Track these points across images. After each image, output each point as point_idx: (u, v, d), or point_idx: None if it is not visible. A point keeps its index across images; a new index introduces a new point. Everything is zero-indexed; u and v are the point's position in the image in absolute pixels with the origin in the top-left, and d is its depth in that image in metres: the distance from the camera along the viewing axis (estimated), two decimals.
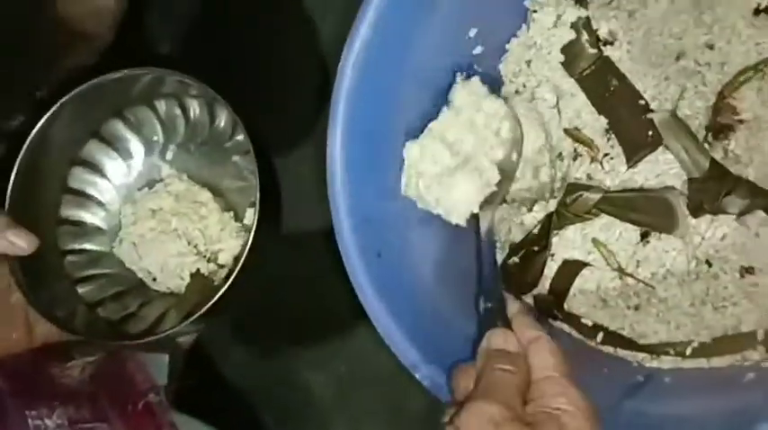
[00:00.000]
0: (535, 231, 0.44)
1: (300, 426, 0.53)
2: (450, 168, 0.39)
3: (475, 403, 0.29)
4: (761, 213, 0.38)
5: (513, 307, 0.36)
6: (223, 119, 0.47)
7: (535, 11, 0.43)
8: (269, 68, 0.52)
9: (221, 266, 0.47)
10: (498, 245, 0.45)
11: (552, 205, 0.43)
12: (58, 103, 0.44)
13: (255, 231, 0.42)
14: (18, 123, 0.49)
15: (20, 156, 0.43)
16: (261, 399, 0.53)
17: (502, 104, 0.39)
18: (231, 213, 0.48)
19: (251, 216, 0.44)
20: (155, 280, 0.47)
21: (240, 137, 0.45)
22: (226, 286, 0.42)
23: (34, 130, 0.43)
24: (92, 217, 0.48)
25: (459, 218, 0.39)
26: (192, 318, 0.42)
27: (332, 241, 0.40)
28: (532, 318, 0.35)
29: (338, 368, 0.51)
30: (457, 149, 0.39)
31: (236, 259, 0.45)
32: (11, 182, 0.43)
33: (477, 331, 0.37)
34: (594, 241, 0.42)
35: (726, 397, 0.35)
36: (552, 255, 0.43)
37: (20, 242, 0.40)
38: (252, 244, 0.42)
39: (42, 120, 0.44)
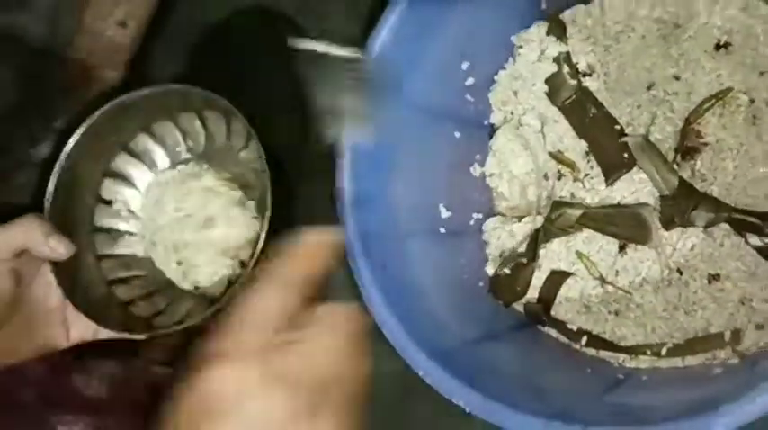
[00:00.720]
0: (524, 245, 0.48)
1: None
2: None
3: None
4: (725, 225, 0.42)
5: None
6: (238, 131, 0.51)
7: (521, 46, 0.47)
8: (281, 90, 0.56)
9: (243, 266, 0.50)
10: (489, 257, 0.49)
11: (539, 221, 0.47)
12: (88, 120, 0.48)
13: (268, 239, 0.45)
14: (41, 152, 0.53)
15: (55, 171, 0.47)
16: None
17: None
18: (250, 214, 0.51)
19: (265, 220, 0.47)
20: (184, 278, 0.50)
21: (253, 147, 0.48)
22: (240, 281, 0.46)
23: (67, 147, 0.47)
24: (124, 224, 0.51)
25: None
26: (210, 311, 0.45)
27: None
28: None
29: None
30: None
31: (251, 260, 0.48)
32: (48, 194, 0.47)
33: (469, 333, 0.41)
34: (578, 253, 0.46)
35: (695, 389, 0.38)
36: (540, 266, 0.47)
37: (59, 248, 0.44)
38: (264, 249, 0.45)
39: (74, 138, 0.48)
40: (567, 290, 0.47)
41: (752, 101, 0.42)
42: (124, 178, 0.51)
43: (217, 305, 0.45)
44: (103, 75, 0.55)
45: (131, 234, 0.52)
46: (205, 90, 0.48)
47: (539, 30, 0.47)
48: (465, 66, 0.46)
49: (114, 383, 0.48)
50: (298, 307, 0.28)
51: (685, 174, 0.43)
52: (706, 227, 0.43)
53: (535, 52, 0.46)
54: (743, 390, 0.33)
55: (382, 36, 0.41)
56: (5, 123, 0.50)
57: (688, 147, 0.43)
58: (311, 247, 0.30)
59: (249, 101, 0.56)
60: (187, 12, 0.58)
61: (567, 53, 0.46)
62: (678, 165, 0.44)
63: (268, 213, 0.45)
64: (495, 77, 0.48)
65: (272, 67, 0.56)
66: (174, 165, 0.52)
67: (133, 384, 0.49)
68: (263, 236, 0.45)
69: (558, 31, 0.46)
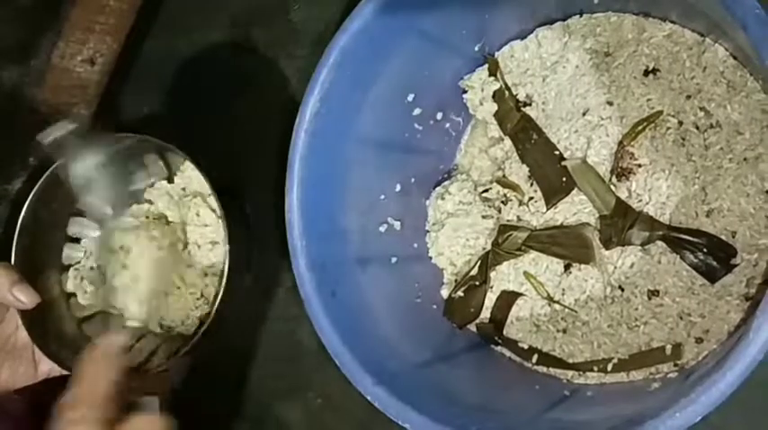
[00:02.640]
0: (475, 269, 0.49)
1: None
2: None
3: None
4: (661, 243, 0.44)
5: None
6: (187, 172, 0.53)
7: (465, 91, 0.50)
8: (235, 130, 0.58)
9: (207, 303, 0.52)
10: (445, 280, 0.51)
11: (488, 244, 0.49)
12: (54, 165, 0.49)
13: (229, 275, 0.47)
14: (15, 187, 0.55)
15: (23, 213, 0.49)
16: None
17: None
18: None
19: (221, 258, 0.49)
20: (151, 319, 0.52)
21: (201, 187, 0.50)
22: (202, 330, 0.47)
23: (34, 189, 0.49)
24: (91, 262, 0.53)
25: None
26: (178, 355, 0.46)
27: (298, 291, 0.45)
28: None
29: (312, 400, 0.56)
30: None
31: (215, 300, 0.50)
32: (16, 234, 0.49)
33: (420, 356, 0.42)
34: (526, 274, 0.48)
35: (634, 403, 0.39)
36: (491, 288, 0.49)
37: (23, 297, 0.46)
38: (226, 287, 0.47)
39: (41, 181, 0.50)
40: (518, 310, 0.48)
41: (680, 123, 0.44)
42: (91, 217, 0.53)
43: (186, 347, 0.47)
44: (73, 112, 0.57)
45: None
46: (159, 135, 0.50)
47: (480, 75, 0.49)
48: (410, 97, 0.48)
49: None
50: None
51: (622, 195, 0.45)
52: (643, 244, 0.44)
53: (478, 95, 0.49)
54: (669, 405, 0.34)
55: (322, 75, 0.43)
56: None
57: (623, 168, 0.45)
58: (100, 360, 0.36)
59: (214, 138, 0.58)
60: (155, 47, 0.61)
61: (501, 88, 0.48)
62: (615, 185, 0.45)
63: (226, 267, 0.47)
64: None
65: (241, 106, 0.59)
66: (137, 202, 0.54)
67: None
68: (225, 269, 0.47)
69: (494, 69, 0.49)
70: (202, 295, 0.52)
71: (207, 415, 0.58)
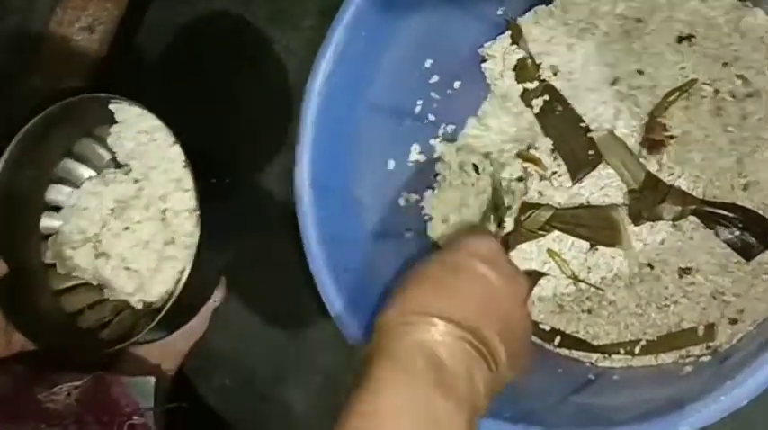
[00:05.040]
0: None
1: None
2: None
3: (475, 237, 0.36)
4: (694, 218, 0.42)
5: None
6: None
7: (484, 59, 0.47)
8: (240, 102, 0.56)
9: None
10: None
11: (510, 224, 0.47)
12: (27, 126, 0.46)
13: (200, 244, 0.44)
14: None
15: None
16: (242, 418, 0.55)
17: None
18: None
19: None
20: (137, 291, 0.49)
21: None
22: (171, 301, 0.44)
23: (6, 153, 0.46)
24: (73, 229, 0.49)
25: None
26: (153, 324, 0.44)
27: (303, 263, 0.43)
28: None
29: (315, 381, 0.53)
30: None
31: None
32: None
33: None
34: (549, 251, 0.45)
35: (664, 387, 0.37)
36: None
37: None
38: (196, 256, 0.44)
39: (11, 145, 0.46)
40: (540, 289, 0.46)
41: (716, 92, 0.42)
42: (71, 183, 0.50)
43: (157, 318, 0.44)
44: (70, 81, 0.54)
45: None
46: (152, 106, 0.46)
47: (502, 43, 0.47)
48: (428, 63, 0.46)
49: (83, 395, 0.47)
50: None
51: (652, 168, 0.43)
52: (674, 220, 0.42)
53: (498, 66, 0.47)
54: (709, 389, 0.32)
55: (336, 36, 0.40)
56: None
57: (654, 140, 0.43)
58: None
59: (210, 108, 0.56)
60: (156, 17, 0.58)
61: (524, 57, 0.46)
62: (645, 158, 0.43)
63: (198, 239, 0.44)
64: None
65: (239, 76, 0.56)
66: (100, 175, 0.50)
67: (100, 397, 0.48)
68: (194, 250, 0.44)
69: (517, 36, 0.46)
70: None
71: (207, 396, 0.56)
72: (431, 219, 0.47)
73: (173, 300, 0.43)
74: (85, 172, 0.50)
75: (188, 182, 0.46)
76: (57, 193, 0.50)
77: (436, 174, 0.48)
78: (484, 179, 0.45)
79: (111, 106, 0.47)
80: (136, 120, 0.48)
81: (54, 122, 0.47)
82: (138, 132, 0.48)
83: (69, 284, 0.49)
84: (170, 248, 0.47)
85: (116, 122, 0.49)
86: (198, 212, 0.44)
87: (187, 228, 0.47)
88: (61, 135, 0.49)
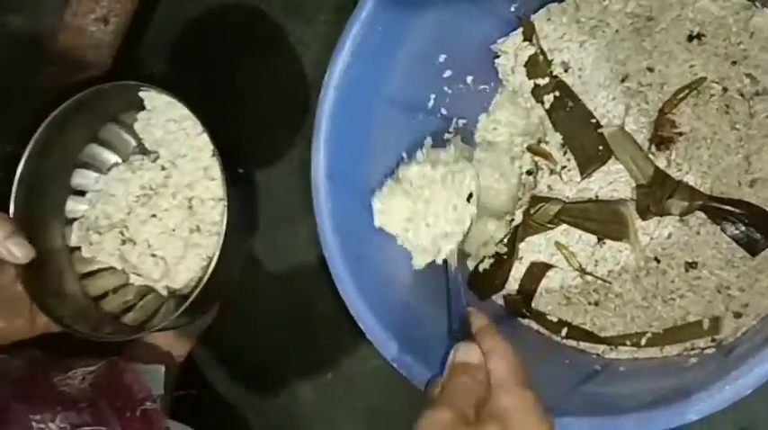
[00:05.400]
0: (504, 241, 0.48)
1: None
2: (417, 215, 0.42)
3: (429, 410, 0.31)
4: (700, 214, 0.42)
5: (476, 321, 0.36)
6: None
7: (497, 55, 0.48)
8: (254, 94, 0.56)
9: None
10: (470, 252, 0.49)
11: (519, 217, 0.47)
12: (56, 111, 0.46)
13: (227, 232, 0.44)
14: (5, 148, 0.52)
15: (22, 163, 0.46)
16: (249, 407, 0.56)
17: (471, 168, 0.43)
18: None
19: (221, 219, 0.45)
20: (163, 277, 0.49)
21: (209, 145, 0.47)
22: (199, 288, 0.44)
23: (33, 138, 0.46)
24: (99, 213, 0.50)
25: (419, 263, 0.43)
26: (181, 310, 0.44)
27: (316, 253, 0.43)
28: (494, 328, 0.36)
29: (323, 374, 0.54)
30: (424, 197, 0.42)
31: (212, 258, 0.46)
32: (15, 184, 0.46)
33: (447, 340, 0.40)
34: (557, 244, 0.46)
35: (670, 378, 0.38)
36: (520, 259, 0.47)
37: (16, 251, 0.43)
38: (224, 245, 0.44)
39: (40, 129, 0.46)
40: (548, 281, 0.47)
41: (725, 90, 0.42)
42: (96, 168, 0.51)
43: (184, 305, 0.44)
44: (85, 72, 0.55)
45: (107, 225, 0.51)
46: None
47: (514, 39, 0.47)
48: (442, 58, 0.46)
49: (97, 380, 0.48)
50: None
51: (661, 164, 0.44)
52: (681, 215, 0.43)
53: (510, 62, 0.47)
54: (714, 379, 0.33)
55: (354, 31, 0.41)
56: None
57: (663, 137, 0.43)
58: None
59: (223, 100, 0.56)
60: (170, 9, 0.59)
61: (536, 53, 0.47)
62: (653, 154, 0.44)
63: (224, 225, 0.44)
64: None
65: (253, 69, 0.57)
66: (142, 156, 0.51)
67: (113, 382, 0.48)
68: (221, 239, 0.44)
69: (529, 33, 0.47)
70: (209, 258, 0.50)
71: (215, 384, 0.57)
72: None
73: (201, 286, 0.44)
74: (111, 157, 0.51)
75: (216, 171, 0.47)
76: (82, 178, 0.50)
77: None
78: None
79: (140, 93, 0.48)
80: (165, 108, 0.48)
81: (81, 108, 0.47)
82: (167, 120, 0.48)
83: (94, 268, 0.50)
84: (195, 236, 0.48)
85: (143, 109, 0.49)
86: (225, 202, 0.44)
87: (214, 216, 0.47)
88: (87, 120, 0.49)
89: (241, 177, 0.54)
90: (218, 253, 0.43)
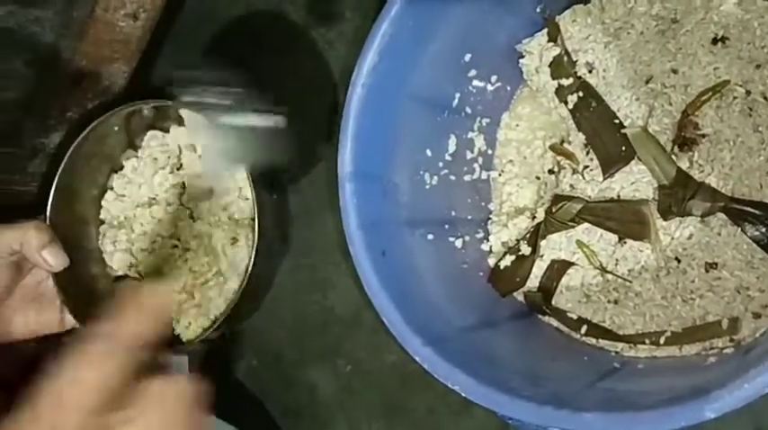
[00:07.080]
0: (526, 237, 0.48)
1: (305, 422, 0.56)
2: None
3: None
4: (722, 215, 0.43)
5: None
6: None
7: (522, 55, 0.48)
8: (283, 90, 0.57)
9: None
10: (492, 248, 0.50)
11: (541, 214, 0.48)
12: (97, 121, 0.48)
13: (259, 242, 0.46)
14: (53, 141, 0.54)
15: (61, 168, 0.48)
16: (269, 398, 0.57)
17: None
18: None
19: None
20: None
21: None
22: (237, 295, 0.46)
23: (74, 144, 0.48)
24: (132, 221, 0.52)
25: None
26: (212, 329, 0.46)
27: (338, 251, 0.43)
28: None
29: (342, 366, 0.55)
30: None
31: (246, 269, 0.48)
32: (53, 191, 0.48)
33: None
34: (578, 242, 0.47)
35: (689, 376, 0.39)
36: (541, 256, 0.48)
37: (51, 260, 0.44)
38: (257, 254, 0.46)
39: (82, 135, 0.49)
40: (568, 279, 0.47)
41: (748, 93, 0.43)
42: (132, 175, 0.52)
43: (216, 324, 0.46)
44: (113, 67, 0.56)
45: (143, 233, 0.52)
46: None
47: (539, 40, 0.48)
48: (467, 57, 0.47)
49: None
50: (125, 378, 0.26)
51: (683, 165, 0.44)
52: (703, 216, 0.43)
53: (535, 62, 0.48)
54: (733, 377, 0.33)
55: (383, 28, 0.42)
56: (19, 113, 0.52)
57: (686, 138, 0.44)
58: (146, 302, 0.28)
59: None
60: (196, 8, 0.60)
61: (560, 54, 0.47)
62: (676, 155, 0.44)
63: (257, 237, 0.46)
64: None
65: (278, 67, 0.58)
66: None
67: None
68: (253, 252, 0.46)
69: (554, 34, 0.47)
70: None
71: (236, 378, 0.58)
72: None
73: (231, 305, 0.46)
74: (148, 167, 0.52)
75: (248, 190, 0.49)
76: (119, 183, 0.52)
77: None
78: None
79: (181, 111, 0.50)
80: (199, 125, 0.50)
81: (120, 120, 0.50)
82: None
83: (127, 271, 0.51)
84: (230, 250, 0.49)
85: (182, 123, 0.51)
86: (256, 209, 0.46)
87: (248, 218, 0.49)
88: (126, 130, 0.51)
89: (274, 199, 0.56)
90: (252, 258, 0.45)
